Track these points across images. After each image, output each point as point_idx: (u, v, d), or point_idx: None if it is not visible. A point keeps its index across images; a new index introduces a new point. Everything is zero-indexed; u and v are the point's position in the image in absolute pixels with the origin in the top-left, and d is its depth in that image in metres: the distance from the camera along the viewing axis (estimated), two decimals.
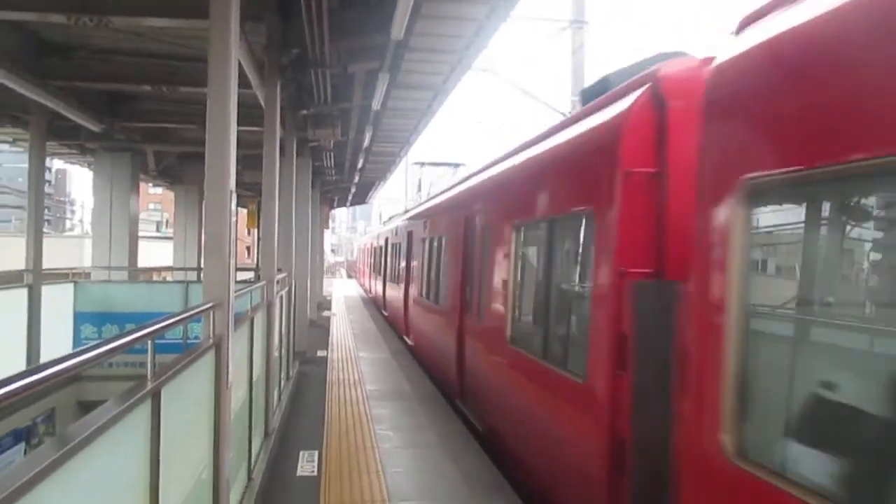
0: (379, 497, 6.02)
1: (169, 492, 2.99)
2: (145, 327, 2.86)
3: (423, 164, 25.41)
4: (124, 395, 2.60)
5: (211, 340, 4.08)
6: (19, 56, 9.05)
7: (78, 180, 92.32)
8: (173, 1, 7.26)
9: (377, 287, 25.50)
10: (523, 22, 28.40)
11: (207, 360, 4.02)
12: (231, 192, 4.37)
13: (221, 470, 4.21)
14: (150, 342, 2.82)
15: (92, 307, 12.29)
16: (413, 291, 14.91)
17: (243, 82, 6.47)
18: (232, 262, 4.40)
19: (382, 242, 24.34)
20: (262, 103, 8.61)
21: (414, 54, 9.96)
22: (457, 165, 20.70)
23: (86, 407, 10.59)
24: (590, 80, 12.69)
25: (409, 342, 15.10)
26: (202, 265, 8.97)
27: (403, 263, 16.99)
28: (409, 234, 16.36)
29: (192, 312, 3.88)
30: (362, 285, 38.65)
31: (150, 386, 2.75)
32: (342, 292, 36.01)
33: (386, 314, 21.47)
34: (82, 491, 2.20)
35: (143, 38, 8.88)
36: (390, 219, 28.40)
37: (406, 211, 21.85)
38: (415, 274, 14.75)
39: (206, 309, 4.05)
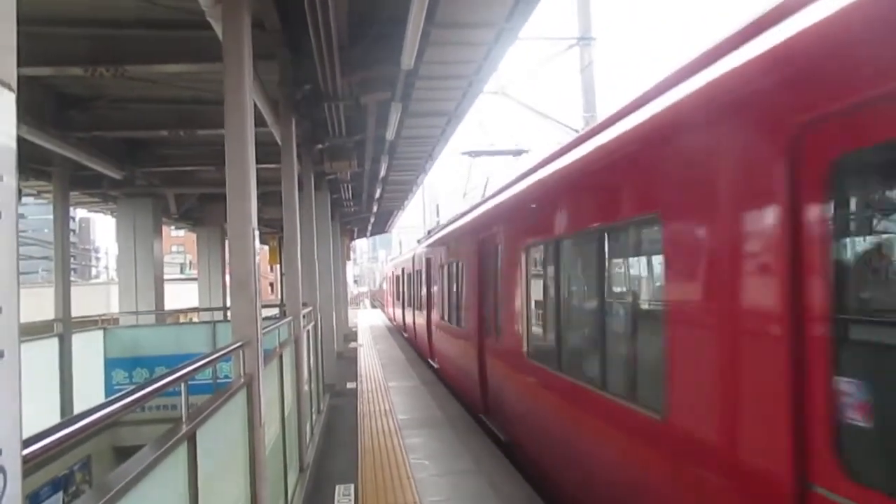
0: None
1: None
2: (178, 370, 2.87)
3: (474, 153, 18.34)
4: (160, 440, 2.60)
5: (242, 379, 4.08)
6: (40, 110, 9.25)
7: (101, 228, 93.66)
8: (186, 46, 7.39)
9: (405, 315, 25.57)
10: (532, 42, 28.29)
11: (239, 399, 4.02)
12: (253, 230, 4.40)
13: None
14: (183, 385, 2.83)
15: (122, 352, 12.39)
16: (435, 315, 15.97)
17: (259, 121, 6.55)
18: (258, 299, 4.42)
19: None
20: (279, 140, 8.69)
21: (425, 82, 10.03)
22: (518, 153, 16.42)
23: (121, 452, 10.64)
24: (600, 94, 12.67)
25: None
26: (228, 304, 9.05)
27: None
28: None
29: (222, 353, 3.89)
30: (390, 317, 36.46)
31: (185, 429, 2.75)
32: (367, 322, 36.04)
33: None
34: None
35: (158, 84, 9.04)
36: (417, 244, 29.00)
37: (427, 236, 22.31)
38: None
39: (236, 348, 4.06)
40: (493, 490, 6.86)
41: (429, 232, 21.77)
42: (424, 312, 17.89)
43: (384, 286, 44.77)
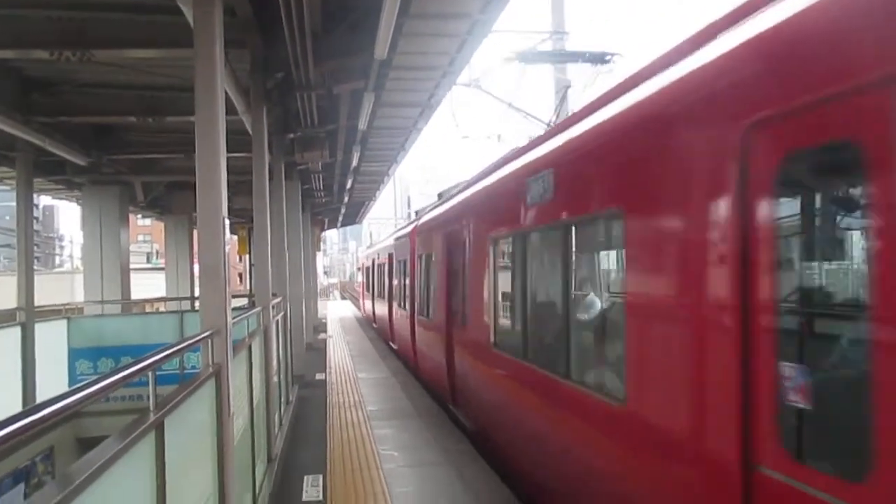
0: None
1: None
2: (145, 359, 2.83)
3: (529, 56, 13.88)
4: (127, 429, 2.56)
5: (210, 369, 4.05)
6: (3, 94, 9.04)
7: (66, 216, 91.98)
8: (156, 32, 7.28)
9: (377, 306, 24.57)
10: (506, 35, 28.33)
11: (208, 389, 3.99)
12: (224, 219, 4.36)
13: (227, 499, 4.16)
14: (150, 374, 2.79)
15: (86, 342, 12.20)
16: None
17: (229, 109, 6.46)
18: (228, 289, 4.38)
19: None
20: (249, 129, 8.60)
21: (398, 72, 9.99)
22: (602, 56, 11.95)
23: (85, 443, 10.48)
24: (573, 89, 12.73)
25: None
26: (197, 294, 8.92)
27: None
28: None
29: (190, 341, 3.85)
30: (366, 313, 30.23)
31: (152, 418, 2.72)
32: (337, 314, 35.90)
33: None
34: None
35: (125, 69, 8.88)
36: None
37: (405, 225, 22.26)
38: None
39: (205, 337, 4.02)
40: (461, 480, 6.89)
41: (415, 215, 20.37)
42: (395, 303, 18.05)
43: (358, 277, 41.66)
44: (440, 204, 12.85)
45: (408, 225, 18.40)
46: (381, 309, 21.69)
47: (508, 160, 7.82)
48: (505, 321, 7.61)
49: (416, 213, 19.19)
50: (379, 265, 23.24)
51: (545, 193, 5.80)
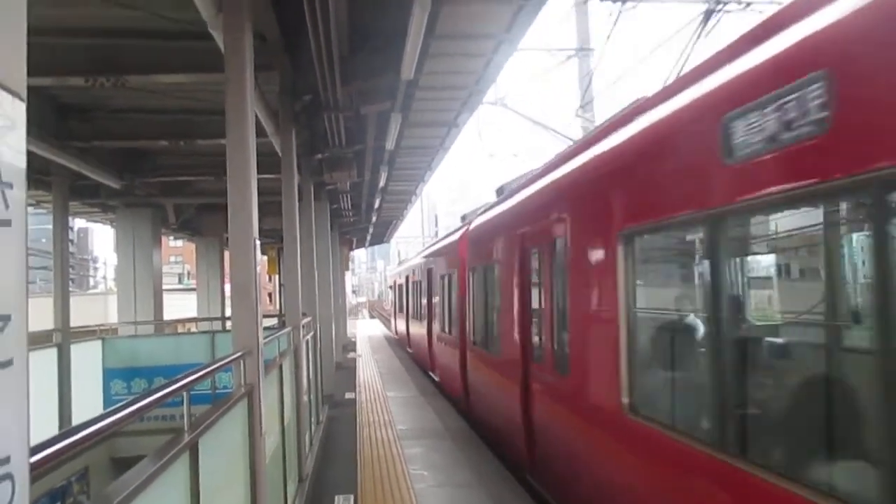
0: None
1: None
2: (179, 380, 2.87)
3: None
4: (162, 450, 2.59)
5: (243, 389, 4.08)
6: (40, 120, 9.26)
7: (99, 238, 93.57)
8: (187, 57, 7.41)
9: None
10: (531, 53, 28.42)
11: (240, 409, 4.02)
12: (255, 240, 4.41)
13: None
14: (185, 394, 2.82)
15: (120, 363, 12.35)
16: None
17: (259, 131, 6.55)
18: (259, 309, 4.42)
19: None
20: (279, 150, 8.71)
21: (424, 92, 10.06)
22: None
23: (119, 463, 10.58)
24: (599, 105, 12.70)
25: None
26: (228, 314, 9.00)
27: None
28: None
29: (223, 362, 3.88)
30: (397, 332, 28.75)
31: (187, 438, 2.74)
32: (366, 333, 35.98)
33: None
34: None
35: (157, 94, 9.05)
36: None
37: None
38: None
39: (237, 358, 4.06)
40: (492, 501, 6.83)
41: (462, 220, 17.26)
42: (436, 326, 16.19)
43: (389, 296, 38.25)
44: (503, 200, 9.92)
45: (454, 232, 14.96)
46: (418, 332, 19.06)
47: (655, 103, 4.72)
48: (653, 368, 4.82)
49: (464, 217, 15.36)
50: (415, 282, 20.39)
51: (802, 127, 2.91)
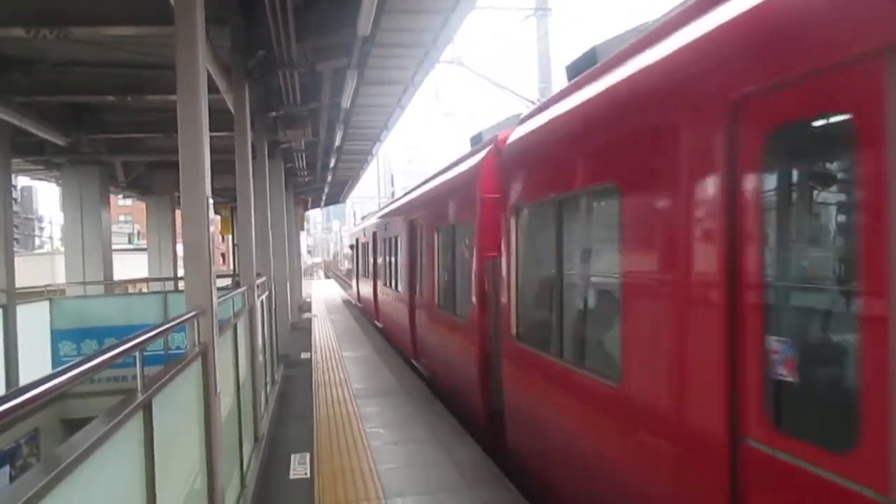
0: (374, 495, 6.01)
1: None
2: (132, 339, 2.82)
3: None
4: (114, 410, 2.56)
5: (197, 348, 4.04)
6: None
7: (44, 196, 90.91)
8: (135, 9, 7.16)
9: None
10: (489, 12, 28.09)
11: (195, 369, 3.99)
12: (207, 198, 4.33)
13: (215, 478, 4.18)
14: (138, 354, 2.78)
15: (69, 324, 12.12)
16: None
17: (211, 87, 6.38)
18: (212, 269, 4.36)
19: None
20: (231, 107, 8.52)
21: (381, 50, 9.92)
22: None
23: (70, 425, 10.45)
24: (556, 66, 12.70)
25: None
26: (180, 274, 8.85)
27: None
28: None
29: (177, 321, 3.84)
30: (359, 295, 24.53)
31: (140, 398, 2.72)
32: (321, 293, 35.86)
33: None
34: None
35: (104, 47, 8.74)
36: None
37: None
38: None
39: (191, 317, 4.02)
40: (448, 457, 6.95)
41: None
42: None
43: (348, 253, 32.07)
44: (401, 198, 9.15)
45: (459, 163, 9.69)
46: (394, 304, 14.81)
47: None
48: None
49: (479, 138, 9.42)
50: (387, 239, 15.85)
51: None
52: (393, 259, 15.26)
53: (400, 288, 13.89)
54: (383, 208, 20.96)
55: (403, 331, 13.32)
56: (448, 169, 10.42)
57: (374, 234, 18.94)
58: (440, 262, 10.27)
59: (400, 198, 16.91)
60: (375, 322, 18.91)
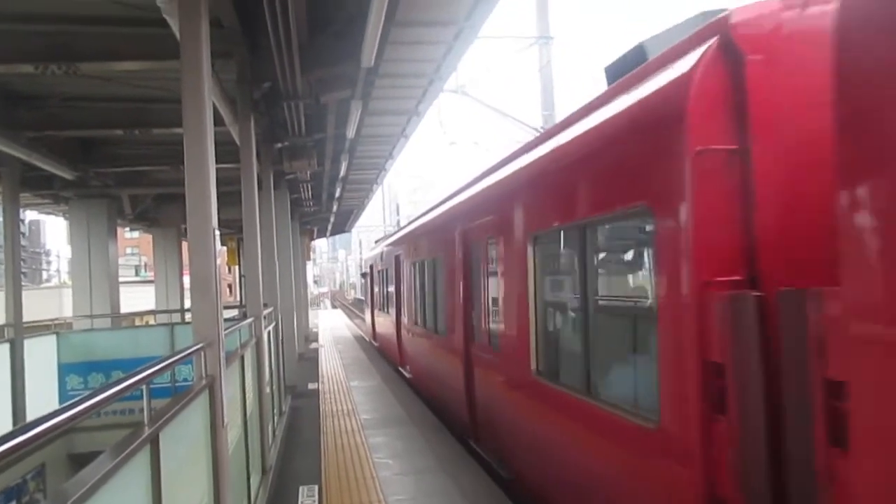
0: None
1: None
2: (139, 373, 2.82)
3: None
4: (121, 444, 2.54)
5: (204, 381, 4.03)
6: None
7: (52, 230, 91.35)
8: (142, 44, 7.25)
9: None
10: (492, 41, 28.41)
11: (202, 401, 3.97)
12: (214, 230, 4.35)
13: None
14: (144, 387, 2.78)
15: (76, 357, 12.10)
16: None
17: (217, 119, 6.43)
18: (219, 300, 4.36)
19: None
20: (237, 139, 8.58)
21: (385, 80, 10.00)
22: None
23: (76, 459, 10.40)
24: (560, 94, 12.72)
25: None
26: (187, 306, 8.86)
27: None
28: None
29: (184, 354, 3.83)
30: (377, 336, 20.61)
31: (147, 432, 2.70)
32: (328, 323, 35.80)
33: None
34: None
35: (112, 82, 8.84)
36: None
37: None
38: None
39: (198, 349, 4.01)
40: (456, 487, 6.88)
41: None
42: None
43: (364, 283, 26.53)
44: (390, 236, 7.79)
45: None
46: (427, 344, 11.91)
47: None
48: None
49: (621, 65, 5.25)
50: (423, 263, 12.03)
51: None
52: (426, 290, 11.75)
53: (448, 331, 9.83)
54: (408, 224, 15.86)
55: (455, 393, 9.19)
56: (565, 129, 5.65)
57: (398, 258, 14.85)
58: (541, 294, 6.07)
59: (439, 205, 11.67)
60: (402, 370, 15.04)
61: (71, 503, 1.94)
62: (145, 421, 2.76)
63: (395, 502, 6.57)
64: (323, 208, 24.03)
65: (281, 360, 11.12)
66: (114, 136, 11.36)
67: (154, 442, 2.78)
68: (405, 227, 16.35)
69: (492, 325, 7.56)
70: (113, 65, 7.57)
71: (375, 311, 20.56)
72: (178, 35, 4.62)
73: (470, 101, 15.47)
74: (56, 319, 14.73)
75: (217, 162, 4.64)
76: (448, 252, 9.64)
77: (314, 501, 6.75)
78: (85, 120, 10.46)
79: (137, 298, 25.26)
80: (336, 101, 10.10)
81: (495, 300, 7.38)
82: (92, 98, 9.83)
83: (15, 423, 9.52)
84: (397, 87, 10.72)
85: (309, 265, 43.32)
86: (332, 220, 29.73)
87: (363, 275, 24.12)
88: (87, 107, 10.17)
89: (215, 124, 4.86)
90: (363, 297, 23.83)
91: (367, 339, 23.96)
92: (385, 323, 17.75)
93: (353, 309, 54.71)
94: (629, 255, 5.09)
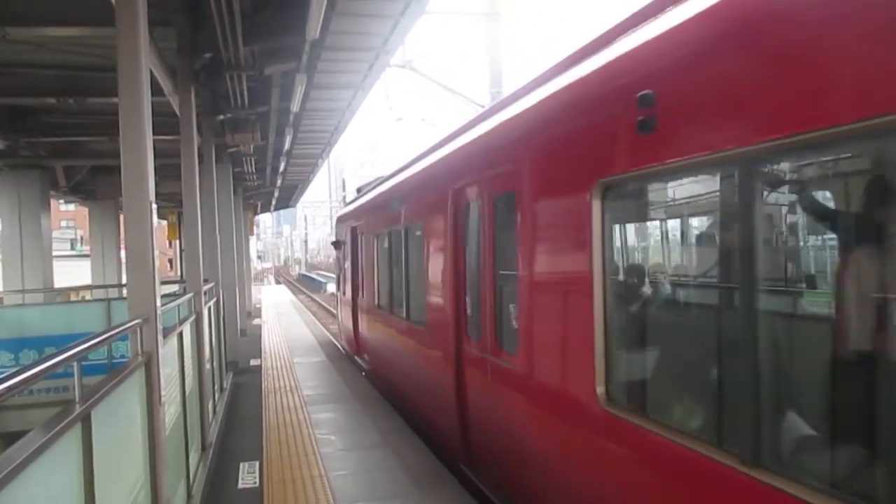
0: (324, 502, 5.95)
1: None
2: (70, 349, 2.74)
3: None
4: (51, 422, 2.47)
5: (140, 357, 3.94)
6: None
7: None
8: (75, 9, 6.98)
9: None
10: (441, 16, 28.23)
11: (137, 378, 3.89)
12: (151, 203, 4.23)
13: (159, 489, 4.08)
14: (75, 364, 2.70)
15: (7, 333, 11.69)
16: None
17: (156, 90, 6.25)
18: (156, 275, 4.26)
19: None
20: (177, 111, 8.37)
21: (331, 53, 9.85)
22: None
23: (6, 438, 10.08)
24: (507, 70, 12.74)
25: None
26: (124, 281, 8.66)
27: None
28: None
29: (118, 330, 3.74)
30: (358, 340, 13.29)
31: (78, 410, 2.63)
32: (272, 299, 35.42)
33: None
34: None
35: (43, 48, 8.50)
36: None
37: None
38: None
39: (133, 325, 3.91)
40: (399, 461, 6.93)
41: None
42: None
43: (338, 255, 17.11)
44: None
45: None
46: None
47: None
48: None
49: None
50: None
51: None
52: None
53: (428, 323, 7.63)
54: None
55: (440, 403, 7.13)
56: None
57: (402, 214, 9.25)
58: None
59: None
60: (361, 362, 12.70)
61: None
62: (76, 398, 2.69)
63: (337, 477, 6.58)
64: (267, 182, 23.66)
65: (222, 335, 10.97)
66: (47, 104, 10.95)
67: (86, 420, 2.71)
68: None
69: (503, 320, 5.46)
70: (44, 30, 7.29)
71: (356, 298, 13.28)
72: (112, 0, 4.45)
73: (418, 76, 15.36)
74: None
75: (155, 133, 4.52)
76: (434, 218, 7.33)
77: (255, 477, 6.71)
78: (16, 87, 10.05)
79: (73, 273, 24.51)
80: (280, 73, 9.92)
81: (508, 282, 5.30)
82: (23, 64, 9.44)
83: None
84: (343, 61, 10.56)
85: (252, 240, 42.68)
86: (276, 194, 29.30)
87: (335, 244, 16.50)
88: (18, 73, 9.77)
89: (154, 94, 4.72)
90: (337, 281, 17.33)
91: (337, 343, 17.01)
92: (368, 318, 11.96)
93: (297, 285, 53.91)
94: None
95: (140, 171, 4.22)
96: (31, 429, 2.40)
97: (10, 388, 2.17)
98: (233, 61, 8.32)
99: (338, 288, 17.22)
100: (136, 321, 3.97)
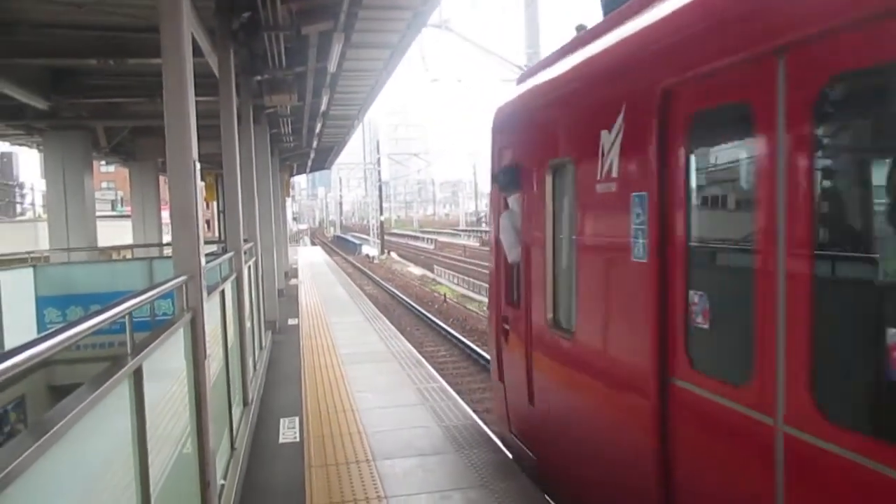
0: (363, 457, 6.07)
1: (155, 468, 2.96)
2: (121, 303, 2.81)
3: None
4: (103, 375, 2.54)
5: (186, 313, 4.03)
6: None
7: (25, 163, 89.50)
8: None
9: None
10: None
11: (183, 334, 3.98)
12: (194, 162, 4.29)
13: (205, 441, 4.20)
14: (127, 318, 2.77)
15: (54, 290, 12.02)
16: None
17: (195, 50, 6.26)
18: (201, 233, 4.34)
19: None
20: (216, 71, 8.39)
21: (368, 12, 9.75)
22: None
23: (57, 391, 10.43)
24: (544, 31, 12.52)
25: None
26: (167, 240, 8.79)
27: None
28: None
29: (166, 286, 3.82)
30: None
31: (130, 363, 2.70)
32: (308, 259, 35.82)
33: None
34: (67, 476, 2.17)
35: (84, 8, 8.55)
36: None
37: None
38: None
39: (179, 282, 4.00)
40: (436, 419, 7.02)
41: None
42: None
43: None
44: None
45: None
46: None
47: None
48: None
49: None
50: None
51: None
52: None
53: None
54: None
55: None
56: None
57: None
58: None
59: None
60: None
61: (53, 432, 1.95)
62: (129, 352, 2.76)
63: (376, 433, 6.70)
64: (303, 144, 23.71)
65: (261, 295, 11.14)
66: (88, 65, 11.04)
67: (137, 373, 2.78)
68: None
69: None
70: None
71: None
72: None
73: (454, 37, 15.20)
74: (32, 252, 14.57)
75: (195, 94, 4.55)
76: None
77: (295, 432, 6.87)
78: (57, 48, 10.13)
79: (113, 233, 25.00)
80: (317, 33, 9.85)
81: None
82: (64, 25, 9.51)
83: None
84: (380, 20, 10.46)
85: (288, 202, 43.00)
86: (311, 155, 29.39)
87: (495, 179, 6.20)
88: (59, 34, 9.83)
89: (194, 55, 4.74)
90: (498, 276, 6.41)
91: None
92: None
93: (331, 246, 54.19)
94: None
95: (183, 132, 4.26)
96: (79, 383, 2.47)
97: (65, 341, 2.23)
98: (271, 20, 8.29)
99: (499, 290, 6.38)
100: (182, 278, 4.05)
